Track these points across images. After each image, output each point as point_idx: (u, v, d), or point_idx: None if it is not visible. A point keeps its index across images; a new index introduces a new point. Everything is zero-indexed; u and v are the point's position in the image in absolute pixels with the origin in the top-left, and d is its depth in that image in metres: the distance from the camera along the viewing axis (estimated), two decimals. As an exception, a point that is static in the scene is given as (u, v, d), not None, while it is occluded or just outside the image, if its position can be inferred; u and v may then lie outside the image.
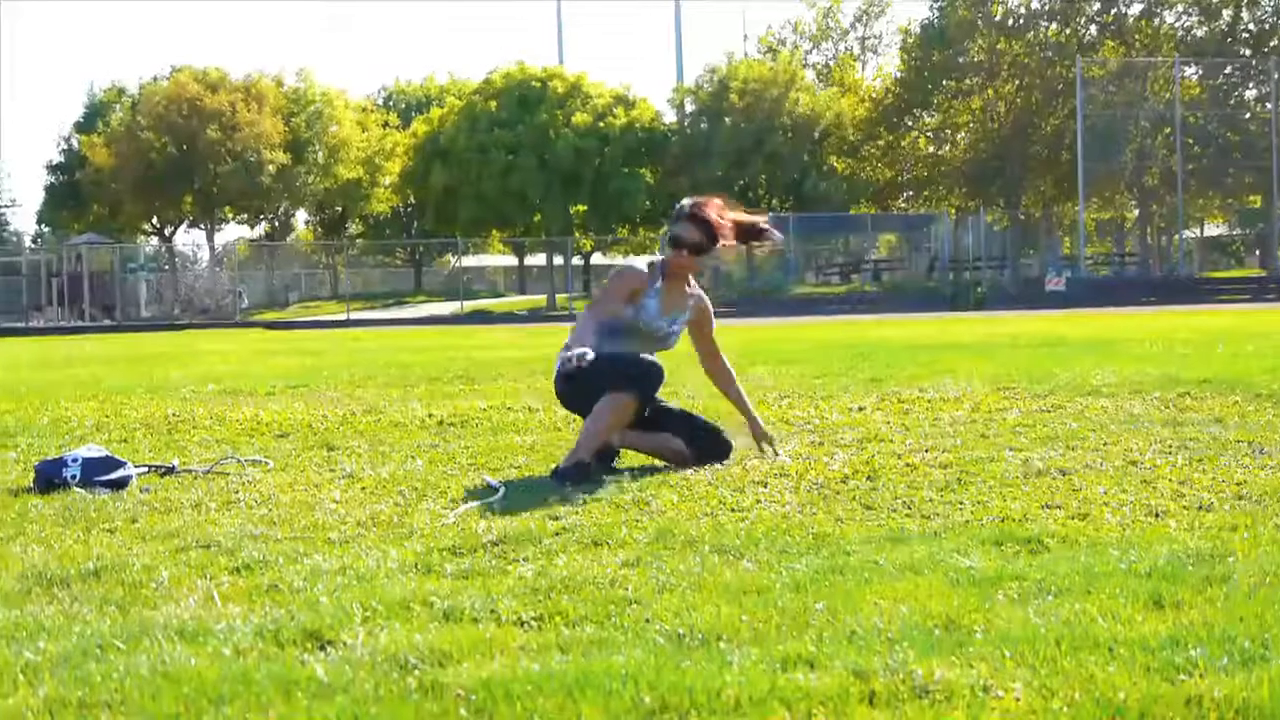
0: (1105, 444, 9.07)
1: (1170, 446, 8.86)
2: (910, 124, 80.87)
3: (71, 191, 79.11)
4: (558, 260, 78.57)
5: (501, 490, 7.45)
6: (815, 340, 25.71)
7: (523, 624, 4.67)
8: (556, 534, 6.27)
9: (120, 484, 7.99)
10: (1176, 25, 76.16)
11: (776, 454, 8.66)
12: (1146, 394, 12.33)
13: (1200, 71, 73.59)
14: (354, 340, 33.52)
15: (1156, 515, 6.48)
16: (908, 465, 8.27)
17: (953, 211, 77.86)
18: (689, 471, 8.07)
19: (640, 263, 8.97)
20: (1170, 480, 7.50)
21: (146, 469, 8.61)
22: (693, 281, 8.82)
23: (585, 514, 6.85)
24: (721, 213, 8.57)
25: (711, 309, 9.03)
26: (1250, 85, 75.47)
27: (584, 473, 7.87)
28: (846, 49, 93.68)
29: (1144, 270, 75.64)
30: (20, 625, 4.75)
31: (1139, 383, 13.37)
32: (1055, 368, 15.66)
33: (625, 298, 8.56)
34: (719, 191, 9.00)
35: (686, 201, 8.68)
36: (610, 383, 8.17)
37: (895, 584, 5.05)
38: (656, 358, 8.52)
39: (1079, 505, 6.78)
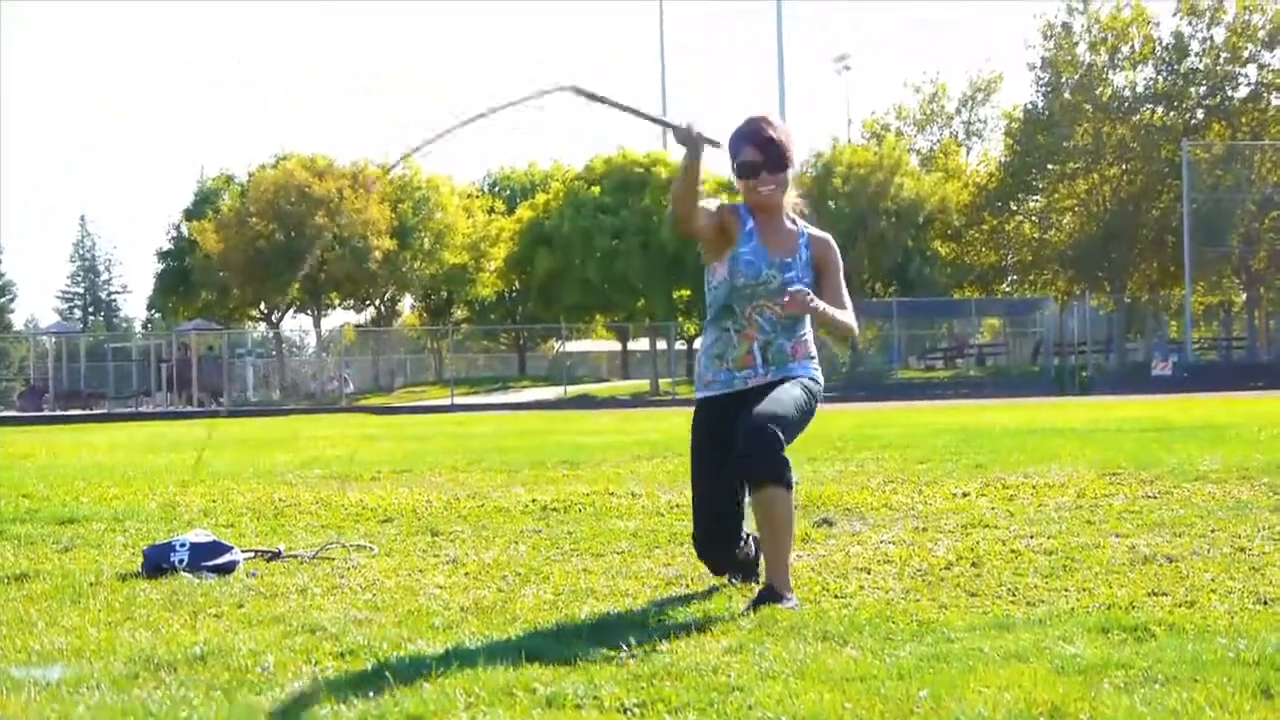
0: (1212, 530, 8.99)
1: (1279, 533, 8.77)
2: (1014, 208, 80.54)
3: (181, 277, 79.78)
4: (661, 345, 78.57)
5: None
6: (919, 425, 25.59)
7: (625, 710, 4.67)
8: (660, 620, 6.28)
9: (227, 569, 8.06)
10: (1284, 108, 75.70)
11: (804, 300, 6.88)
12: (1254, 480, 12.21)
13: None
14: (458, 425, 33.64)
15: (1265, 603, 6.43)
16: (1012, 551, 8.22)
17: (1058, 296, 77.40)
18: (791, 559, 8.03)
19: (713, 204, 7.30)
20: (1279, 567, 7.42)
21: (253, 554, 8.67)
22: (794, 217, 7.40)
23: (688, 599, 6.85)
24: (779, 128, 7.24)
25: (829, 239, 7.50)
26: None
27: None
28: (951, 134, 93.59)
29: (1252, 355, 74.78)
30: (128, 710, 4.79)
31: (1246, 468, 13.24)
32: (1161, 453, 15.52)
33: (716, 242, 7.21)
34: None
35: (740, 126, 7.24)
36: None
37: (1000, 671, 5.02)
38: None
39: (1186, 592, 6.72)
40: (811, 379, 7.20)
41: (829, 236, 7.48)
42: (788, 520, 6.86)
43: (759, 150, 7.15)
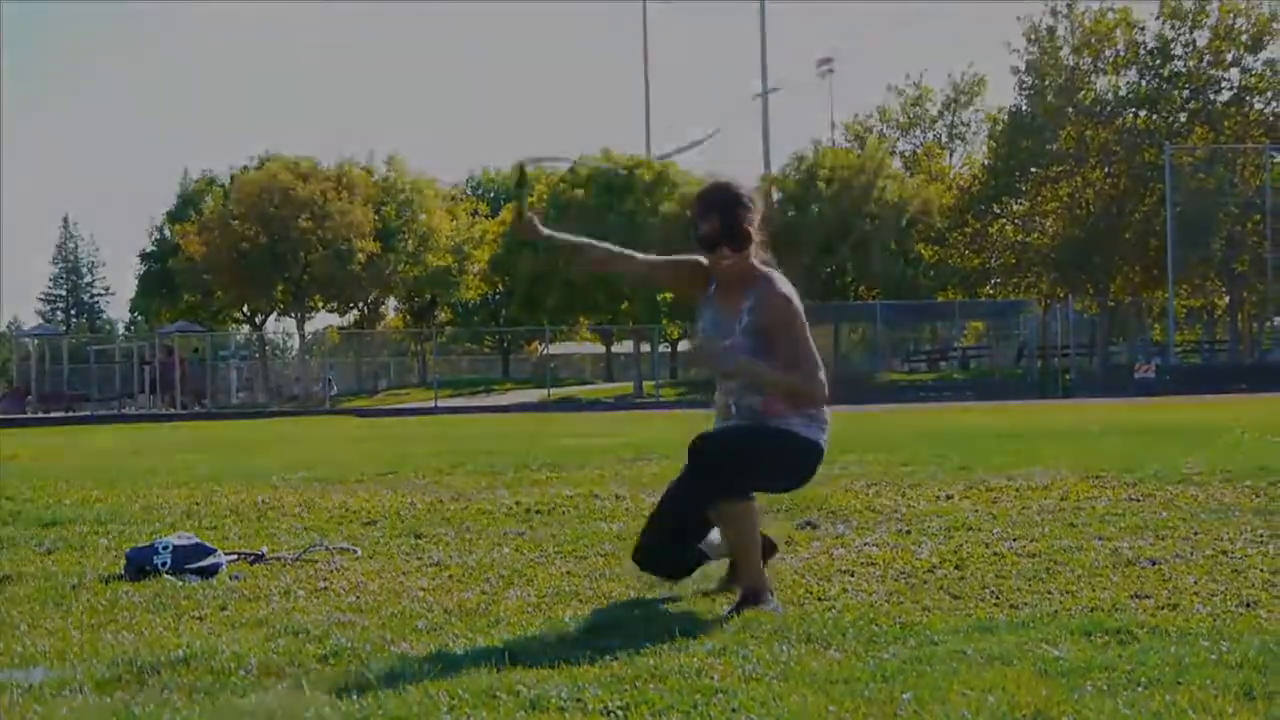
0: (1195, 533, 8.99)
1: (1261, 536, 8.78)
2: (998, 211, 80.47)
3: (164, 280, 79.68)
4: (645, 348, 78.50)
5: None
6: (902, 427, 25.60)
7: (609, 713, 4.67)
8: (644, 622, 6.27)
9: (210, 571, 8.04)
10: (1266, 111, 75.61)
11: None
12: (1237, 482, 12.20)
13: (1290, 157, 73.03)
14: (442, 428, 33.60)
15: (1248, 605, 6.43)
16: (996, 554, 8.22)
17: (1041, 299, 77.47)
18: (774, 560, 8.00)
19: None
20: (1262, 570, 7.43)
21: (236, 556, 8.65)
22: (754, 274, 7.06)
23: (671, 602, 6.85)
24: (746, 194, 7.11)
25: (782, 300, 6.94)
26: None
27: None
28: (934, 137, 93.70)
29: (1234, 358, 74.82)
30: (111, 713, 4.78)
31: (1229, 471, 13.23)
32: (1144, 456, 15.50)
33: (683, 289, 7.39)
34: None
35: (706, 190, 7.17)
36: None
37: (983, 674, 5.02)
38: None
39: (1169, 595, 6.73)
40: (778, 429, 6.91)
41: (783, 295, 6.94)
42: (747, 529, 6.77)
43: (723, 225, 7.00)
